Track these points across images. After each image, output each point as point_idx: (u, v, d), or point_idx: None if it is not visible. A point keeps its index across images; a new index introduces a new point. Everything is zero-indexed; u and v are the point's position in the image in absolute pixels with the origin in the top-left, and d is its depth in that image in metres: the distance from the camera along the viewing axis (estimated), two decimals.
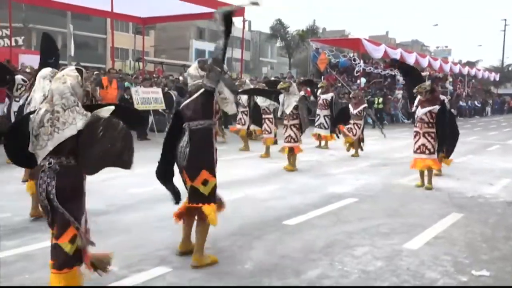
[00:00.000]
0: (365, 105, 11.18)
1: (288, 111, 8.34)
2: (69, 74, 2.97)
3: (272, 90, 9.25)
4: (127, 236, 4.61)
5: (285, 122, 8.56)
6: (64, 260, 2.90)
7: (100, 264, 3.19)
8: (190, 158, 3.75)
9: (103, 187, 6.44)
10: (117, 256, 3.98)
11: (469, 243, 4.74)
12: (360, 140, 10.77)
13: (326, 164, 9.67)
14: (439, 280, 3.75)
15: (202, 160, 3.80)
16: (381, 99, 21.52)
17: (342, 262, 4.08)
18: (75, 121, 2.84)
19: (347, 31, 56.14)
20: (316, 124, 11.78)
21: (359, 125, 10.59)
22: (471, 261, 4.20)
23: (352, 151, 10.80)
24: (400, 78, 26.23)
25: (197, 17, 19.79)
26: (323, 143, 11.97)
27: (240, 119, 11.15)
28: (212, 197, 3.83)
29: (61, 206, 2.85)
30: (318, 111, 11.79)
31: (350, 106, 11.01)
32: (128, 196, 6.08)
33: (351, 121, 10.60)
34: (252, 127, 11.37)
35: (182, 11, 16.83)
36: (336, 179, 8.00)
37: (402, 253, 4.36)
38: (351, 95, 11.59)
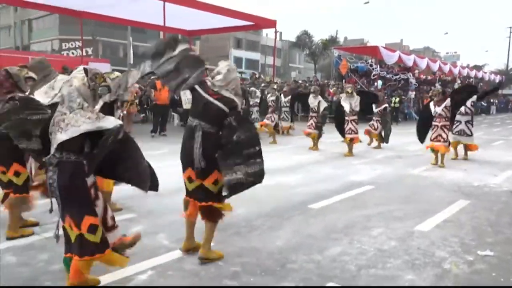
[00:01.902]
0: (386, 105, 11.14)
1: (350, 109, 9.25)
2: (75, 76, 2.71)
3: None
4: (177, 215, 4.67)
5: (346, 118, 9.41)
6: (89, 249, 2.68)
7: (122, 247, 2.92)
8: (202, 159, 3.27)
9: (158, 173, 6.53)
10: (168, 232, 4.07)
11: (475, 227, 4.57)
12: (381, 135, 10.83)
13: (347, 156, 9.54)
14: (448, 259, 3.64)
15: (214, 162, 3.25)
16: (397, 99, 21.03)
17: (360, 241, 4.02)
18: (78, 124, 2.55)
19: (366, 39, 54.97)
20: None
21: (380, 122, 10.73)
22: (477, 243, 4.05)
23: (374, 143, 11.00)
24: (413, 80, 25.59)
25: (235, 29, 19.80)
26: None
27: (270, 116, 11.55)
28: (221, 195, 3.36)
29: (66, 198, 2.63)
30: None
31: (373, 105, 10.97)
32: (179, 181, 6.14)
33: (374, 118, 10.76)
34: (286, 124, 12.16)
35: (222, 24, 16.87)
36: (355, 169, 7.87)
37: (414, 234, 4.25)
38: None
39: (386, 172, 7.66)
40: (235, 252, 3.63)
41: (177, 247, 3.69)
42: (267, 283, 3.08)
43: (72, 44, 35.38)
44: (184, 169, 3.41)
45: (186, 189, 3.48)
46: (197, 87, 3.39)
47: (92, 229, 2.66)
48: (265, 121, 11.66)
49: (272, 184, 6.07)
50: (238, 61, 46.89)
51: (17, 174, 3.76)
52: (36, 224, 4.14)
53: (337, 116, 9.94)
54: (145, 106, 14.84)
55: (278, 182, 6.33)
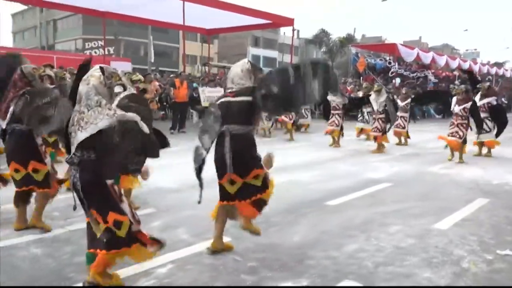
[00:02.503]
0: (410, 99, 11.03)
1: (379, 108, 9.23)
2: (92, 75, 2.68)
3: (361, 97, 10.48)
4: (196, 210, 4.69)
5: (374, 116, 9.42)
6: (116, 242, 2.66)
7: (155, 241, 2.88)
8: (237, 162, 3.29)
9: (177, 169, 6.63)
10: (188, 226, 4.11)
11: (494, 225, 4.46)
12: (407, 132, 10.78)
13: (364, 153, 9.43)
14: (466, 258, 3.56)
15: (250, 162, 3.34)
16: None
17: (378, 238, 3.98)
18: (96, 121, 2.54)
19: (384, 37, 54.15)
20: (359, 119, 11.56)
21: (405, 118, 10.64)
22: (496, 241, 3.96)
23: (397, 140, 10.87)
24: (431, 78, 25.10)
25: (252, 27, 19.80)
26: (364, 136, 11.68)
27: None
28: (265, 185, 3.40)
29: (90, 196, 2.65)
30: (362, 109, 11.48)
31: (398, 99, 10.96)
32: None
33: (399, 114, 10.58)
34: (302, 121, 12.31)
35: (241, 23, 16.87)
36: (373, 166, 7.78)
37: (432, 232, 4.18)
38: (403, 91, 11.58)
39: (404, 169, 7.55)
40: (253, 247, 3.64)
41: (196, 241, 3.73)
42: (285, 278, 3.08)
43: (94, 44, 35.97)
44: (221, 176, 3.39)
45: (226, 193, 3.42)
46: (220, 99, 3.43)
47: (117, 224, 2.66)
48: (283, 117, 11.50)
49: (290, 181, 6.06)
50: (255, 59, 46.77)
51: (35, 171, 3.81)
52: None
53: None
54: (165, 103, 14.99)
55: (295, 179, 6.30)
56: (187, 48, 17.00)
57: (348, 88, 19.49)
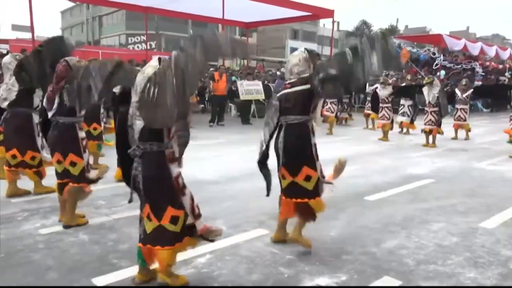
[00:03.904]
0: (472, 90, 10.72)
1: (432, 100, 8.98)
2: (150, 65, 2.63)
3: (417, 84, 10.48)
4: (234, 202, 4.78)
5: (427, 108, 9.13)
6: (169, 238, 2.63)
7: (210, 235, 2.87)
8: (288, 154, 3.27)
9: (216, 162, 6.74)
10: (225, 218, 4.16)
11: None
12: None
13: (405, 148, 9.15)
14: None
15: (301, 157, 3.25)
16: None
17: (419, 235, 3.86)
18: None
19: (428, 27, 52.05)
20: (399, 113, 11.23)
21: (466, 110, 10.29)
22: None
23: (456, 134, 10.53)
24: (479, 70, 23.88)
25: (292, 20, 19.57)
26: (404, 129, 11.34)
27: (329, 108, 11.28)
28: (316, 191, 3.31)
29: (149, 189, 2.60)
30: (402, 101, 11.16)
31: (457, 91, 10.61)
32: (236, 170, 6.26)
33: (458, 106, 10.28)
34: (343, 114, 12.33)
35: (280, 16, 16.77)
36: (414, 161, 7.54)
37: (477, 231, 4.00)
38: (463, 83, 11.03)
39: (448, 165, 7.26)
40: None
41: (233, 233, 3.77)
42: (322, 273, 3.06)
43: (137, 39, 37.03)
44: (278, 167, 3.38)
45: (281, 186, 3.43)
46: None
47: (174, 220, 2.62)
48: (324, 112, 11.27)
49: (328, 174, 5.97)
50: (294, 52, 46.44)
51: (73, 164, 3.77)
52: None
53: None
54: (204, 97, 15.21)
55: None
56: None
57: (390, 81, 18.96)
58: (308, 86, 3.21)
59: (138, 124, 2.56)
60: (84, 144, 3.87)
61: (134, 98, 2.58)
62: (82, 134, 3.88)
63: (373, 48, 3.00)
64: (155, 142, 2.58)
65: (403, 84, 11.33)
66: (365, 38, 3.09)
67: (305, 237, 3.43)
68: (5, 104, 4.60)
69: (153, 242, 2.66)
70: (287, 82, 3.39)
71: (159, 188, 2.61)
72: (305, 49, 3.44)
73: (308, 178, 3.27)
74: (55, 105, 3.72)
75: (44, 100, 3.81)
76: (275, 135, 3.35)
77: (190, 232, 2.75)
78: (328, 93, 3.36)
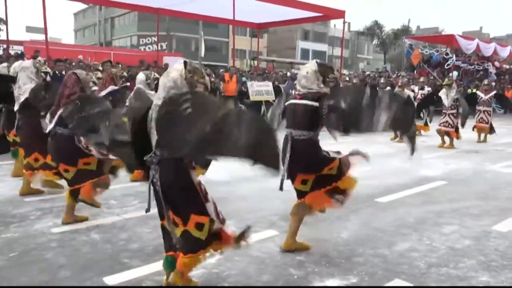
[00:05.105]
0: (495, 91, 10.67)
1: (449, 103, 8.98)
2: (175, 68, 2.53)
3: (433, 93, 10.31)
4: (245, 202, 4.78)
5: (444, 110, 9.12)
6: (193, 245, 2.53)
7: (239, 239, 2.79)
8: (302, 167, 3.26)
9: (225, 162, 6.73)
10: (236, 219, 4.17)
11: None
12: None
13: (418, 149, 9.05)
14: None
15: (319, 165, 3.25)
16: (474, 90, 19.53)
17: (431, 238, 3.82)
18: None
19: (441, 28, 51.54)
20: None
21: (489, 112, 10.08)
22: None
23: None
24: (493, 71, 23.55)
25: (303, 21, 19.52)
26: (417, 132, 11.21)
27: None
28: (341, 172, 3.30)
29: (170, 197, 2.47)
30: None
31: (479, 92, 10.48)
32: (246, 170, 6.25)
33: (481, 108, 10.06)
34: None
35: (290, 16, 16.75)
36: (426, 163, 7.45)
37: (490, 234, 3.95)
38: (484, 83, 10.92)
39: (461, 167, 7.18)
40: None
41: None
42: (332, 275, 3.04)
43: (148, 40, 37.29)
44: (293, 179, 3.35)
45: (300, 192, 3.37)
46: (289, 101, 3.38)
47: (199, 227, 2.50)
48: None
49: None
50: (305, 53, 46.37)
51: (86, 163, 3.84)
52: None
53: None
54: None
55: None
56: (237, 43, 17.15)
57: (399, 83, 18.81)
58: (316, 104, 3.16)
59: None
60: (84, 144, 3.90)
61: (156, 101, 2.46)
62: (80, 143, 3.89)
63: (389, 106, 2.93)
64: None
65: (418, 100, 10.83)
66: (391, 92, 3.02)
67: (300, 242, 3.43)
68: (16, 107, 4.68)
69: (180, 248, 2.56)
70: (296, 92, 3.34)
71: (180, 196, 2.49)
72: (316, 61, 3.39)
73: (331, 169, 3.26)
74: (56, 117, 3.74)
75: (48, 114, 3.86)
76: (282, 145, 3.28)
77: (217, 238, 2.63)
78: (328, 123, 3.19)
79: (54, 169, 4.59)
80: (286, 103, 3.39)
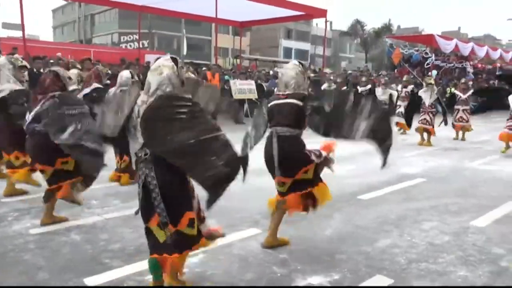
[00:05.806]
0: (472, 90, 10.94)
1: (430, 102, 9.28)
2: (165, 64, 2.46)
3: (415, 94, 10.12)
4: (230, 202, 4.70)
5: (423, 109, 9.33)
6: (187, 243, 2.53)
7: (211, 237, 2.83)
8: (281, 166, 3.27)
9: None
10: (220, 218, 4.15)
11: None
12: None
13: (399, 148, 9.19)
14: (505, 256, 3.42)
15: (296, 165, 3.27)
16: (453, 89, 19.94)
17: (411, 234, 3.88)
18: None
19: (421, 27, 52.48)
20: (395, 113, 11.26)
21: (468, 111, 10.30)
22: None
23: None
24: (470, 70, 24.08)
25: (285, 19, 19.64)
26: (400, 130, 11.31)
27: None
28: (317, 178, 3.38)
29: (165, 195, 2.41)
30: (399, 102, 11.12)
31: (457, 92, 10.73)
32: None
33: (460, 107, 10.24)
34: None
35: (274, 15, 16.82)
36: (407, 161, 7.58)
37: (469, 229, 4.04)
38: (462, 82, 11.22)
39: (440, 164, 7.32)
40: None
41: (227, 232, 3.75)
42: (315, 272, 3.07)
43: (130, 37, 36.86)
44: (273, 176, 3.40)
45: (279, 191, 3.43)
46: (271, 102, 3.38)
47: (191, 223, 2.49)
48: None
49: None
50: (287, 51, 46.52)
51: (65, 163, 3.73)
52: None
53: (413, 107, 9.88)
54: None
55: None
56: (219, 41, 17.09)
57: (382, 81, 19.04)
58: (301, 103, 3.20)
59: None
60: None
61: (145, 97, 2.43)
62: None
63: (369, 115, 2.98)
64: None
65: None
66: (375, 101, 3.06)
67: (280, 238, 3.48)
68: None
69: (171, 250, 2.47)
70: (281, 92, 3.35)
71: (176, 193, 2.46)
72: (299, 62, 3.45)
73: (306, 171, 3.29)
74: (33, 114, 3.67)
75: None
76: (265, 143, 3.36)
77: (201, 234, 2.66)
78: (310, 123, 3.23)
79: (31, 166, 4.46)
80: (270, 104, 3.38)
